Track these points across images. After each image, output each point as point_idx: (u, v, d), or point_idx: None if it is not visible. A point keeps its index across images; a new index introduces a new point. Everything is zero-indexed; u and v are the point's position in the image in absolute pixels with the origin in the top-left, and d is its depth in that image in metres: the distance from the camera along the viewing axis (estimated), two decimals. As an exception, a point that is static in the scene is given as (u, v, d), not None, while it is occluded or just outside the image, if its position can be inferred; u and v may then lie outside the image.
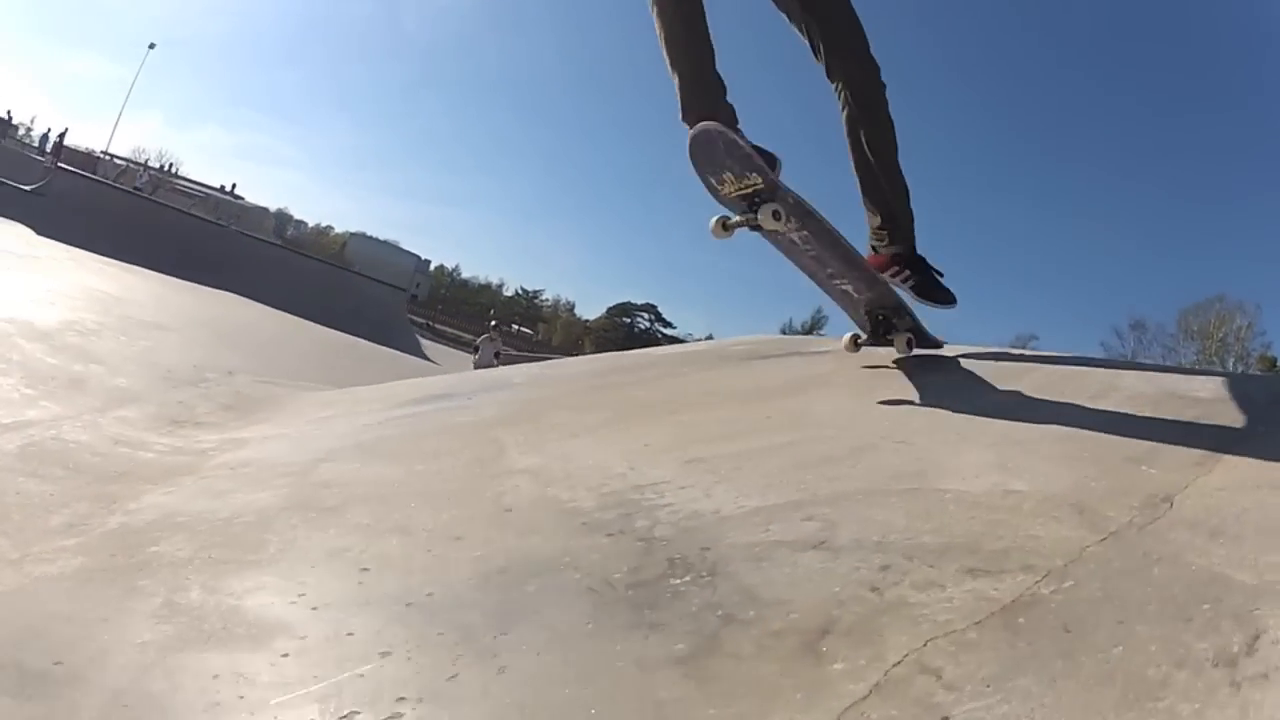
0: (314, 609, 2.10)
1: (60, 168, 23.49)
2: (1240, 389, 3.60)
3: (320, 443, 4.09)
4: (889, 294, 4.25)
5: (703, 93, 3.97)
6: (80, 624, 2.01)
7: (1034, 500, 2.50)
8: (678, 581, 2.11)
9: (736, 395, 4.29)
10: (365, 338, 16.71)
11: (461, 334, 54.76)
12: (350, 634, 1.96)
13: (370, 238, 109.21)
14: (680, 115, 3.98)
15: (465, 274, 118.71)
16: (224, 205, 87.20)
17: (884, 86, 4.25)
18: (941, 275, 4.37)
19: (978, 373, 4.09)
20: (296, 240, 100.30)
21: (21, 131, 75.99)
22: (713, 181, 3.87)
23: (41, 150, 56.55)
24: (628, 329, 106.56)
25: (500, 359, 34.62)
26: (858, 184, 4.35)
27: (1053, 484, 2.65)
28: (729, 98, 3.99)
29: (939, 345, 4.41)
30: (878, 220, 4.34)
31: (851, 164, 4.31)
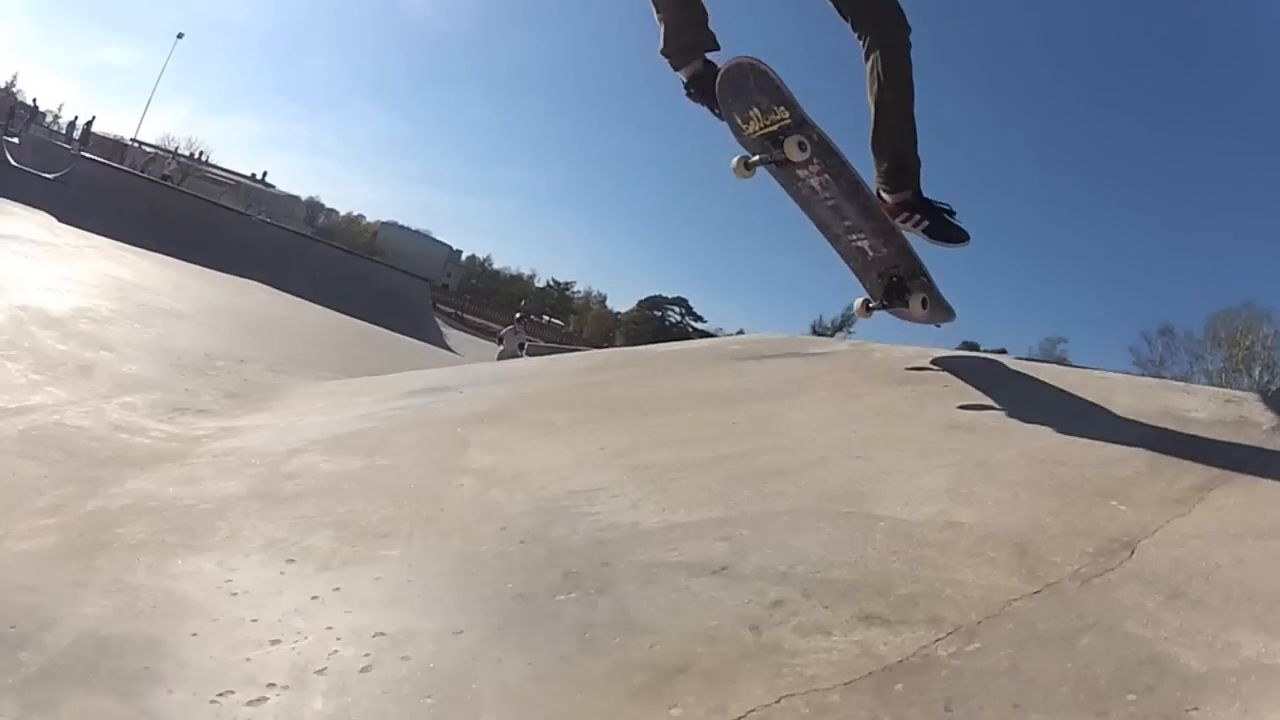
0: (233, 595, 2.27)
1: (83, 156, 23.72)
2: (1245, 411, 3.42)
3: (304, 433, 4.22)
4: (905, 251, 4.32)
5: (694, 22, 4.11)
6: (39, 595, 2.21)
7: (973, 537, 2.39)
8: (563, 597, 2.16)
9: (715, 398, 4.33)
10: (389, 327, 16.85)
11: (490, 324, 54.99)
12: (254, 620, 2.13)
13: (402, 227, 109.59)
14: (662, 48, 4.12)
15: (497, 264, 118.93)
16: (254, 193, 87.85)
17: (910, 43, 4.20)
18: (952, 214, 4.34)
19: (967, 380, 4.07)
20: (327, 229, 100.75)
21: (49, 119, 76.70)
22: (738, 120, 4.01)
23: (69, 138, 57.05)
24: (659, 322, 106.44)
25: (525, 350, 34.66)
26: (871, 129, 4.30)
27: (1002, 517, 2.54)
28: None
29: (951, 312, 4.46)
30: (885, 165, 4.30)
31: (871, 105, 4.25)
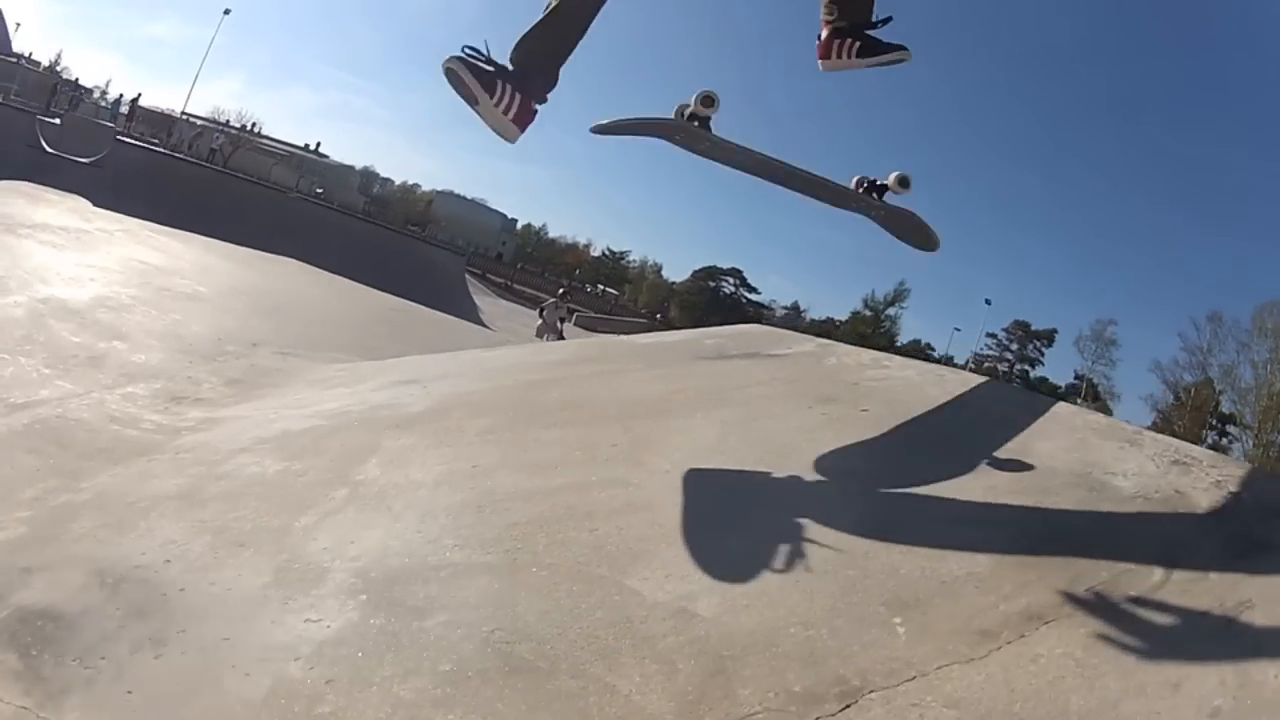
0: (109, 584, 2.92)
1: (119, 140, 24.37)
2: (1189, 482, 3.15)
3: (264, 429, 4.76)
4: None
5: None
6: None
7: (687, 638, 2.45)
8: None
9: (631, 408, 4.61)
10: (423, 302, 17.27)
11: (540, 294, 55.31)
12: (117, 609, 2.79)
13: (457, 196, 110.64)
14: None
15: (553, 233, 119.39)
16: (307, 163, 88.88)
17: None
18: (883, 23, 4.53)
19: (887, 402, 4.13)
20: (382, 198, 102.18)
21: (96, 94, 77.91)
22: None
23: (113, 114, 57.86)
24: (713, 293, 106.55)
25: (564, 325, 34.81)
26: None
27: (746, 618, 2.53)
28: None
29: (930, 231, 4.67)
30: None
31: None
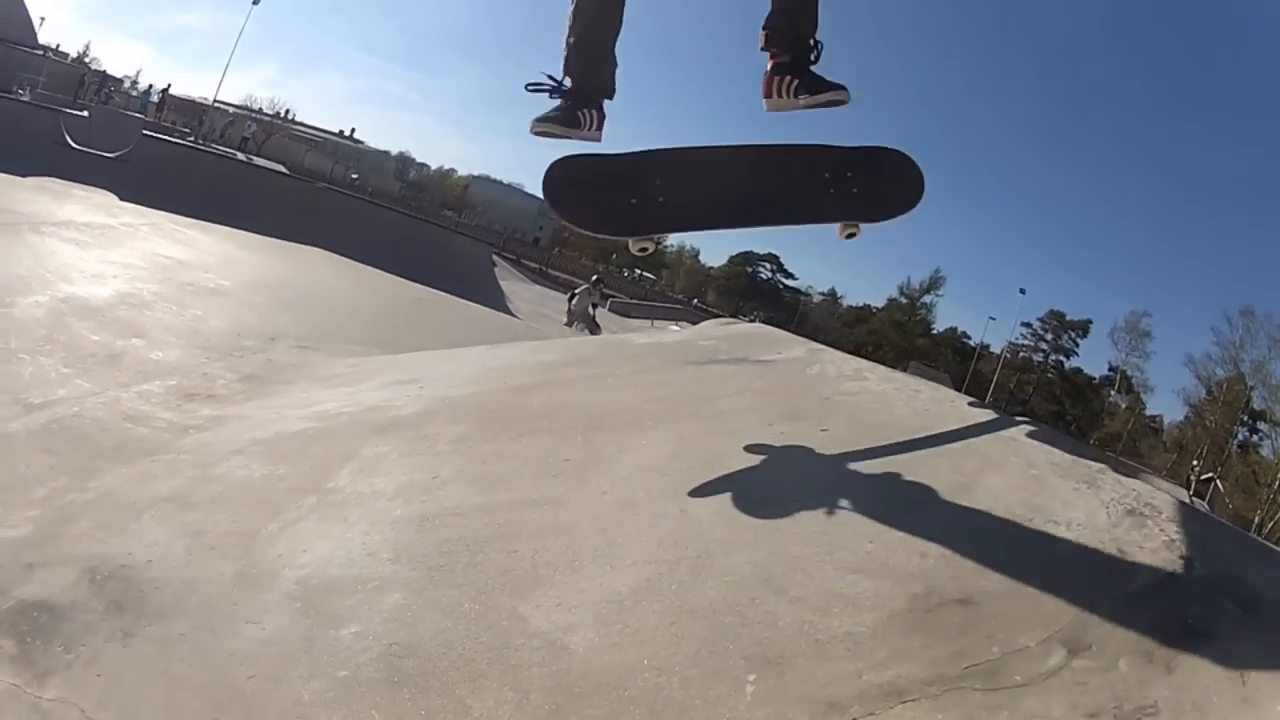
0: (95, 588, 3.30)
1: (146, 135, 24.79)
2: (1140, 537, 2.98)
3: (260, 430, 5.06)
4: None
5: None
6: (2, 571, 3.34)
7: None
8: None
9: (600, 418, 4.72)
10: (450, 291, 17.41)
11: (574, 279, 55.54)
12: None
13: (494, 180, 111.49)
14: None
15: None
16: (342, 149, 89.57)
17: None
18: (818, 54, 4.42)
19: (857, 420, 4.14)
20: (418, 183, 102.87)
21: (126, 84, 78.87)
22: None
23: (143, 105, 58.50)
24: (750, 278, 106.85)
25: (596, 311, 34.85)
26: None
27: (602, 658, 2.70)
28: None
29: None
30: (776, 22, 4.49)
31: None
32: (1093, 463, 3.62)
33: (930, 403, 4.32)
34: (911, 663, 2.49)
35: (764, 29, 4.44)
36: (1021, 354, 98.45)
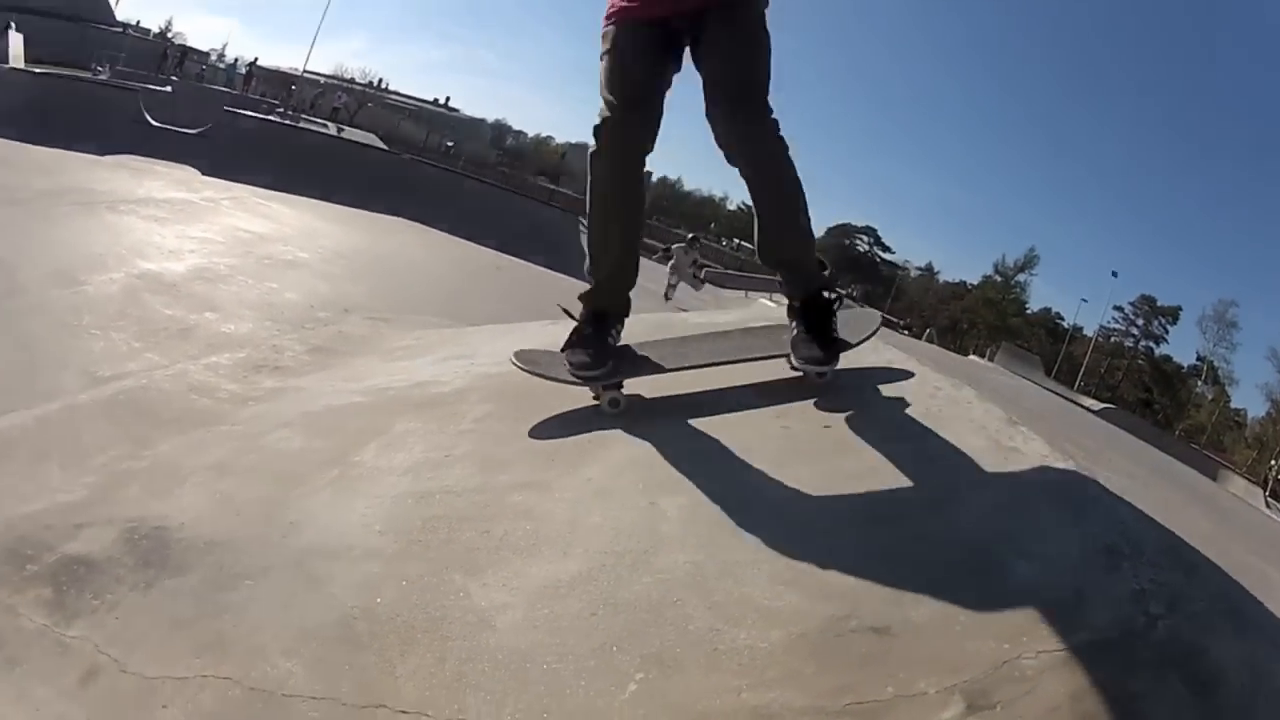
0: (131, 546, 3.66)
1: (227, 110, 25.40)
2: (1108, 595, 2.67)
3: (312, 403, 5.25)
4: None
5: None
6: (52, 532, 3.74)
7: None
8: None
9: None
10: (535, 260, 17.62)
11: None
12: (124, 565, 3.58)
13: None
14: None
15: (688, 186, 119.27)
16: (437, 118, 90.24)
17: (769, 139, 4.11)
18: (836, 304, 4.28)
19: (845, 434, 3.85)
20: (515, 150, 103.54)
21: (214, 57, 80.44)
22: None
23: (231, 78, 59.56)
24: (847, 251, 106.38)
25: (703, 276, 34.71)
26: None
27: (516, 639, 2.93)
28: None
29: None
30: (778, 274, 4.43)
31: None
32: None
33: (944, 404, 3.98)
34: (795, 689, 2.45)
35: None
36: (1113, 338, 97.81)
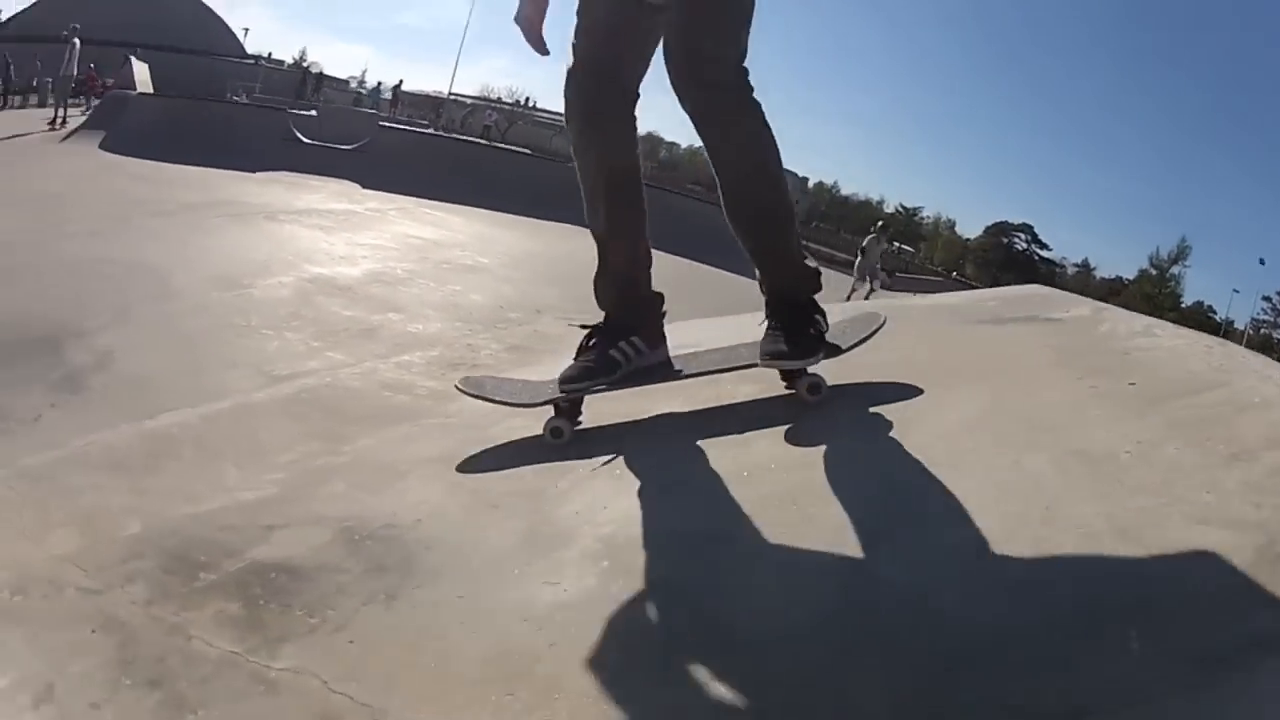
0: (351, 548, 2.92)
1: (382, 125, 25.49)
2: None
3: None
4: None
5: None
6: (235, 534, 2.97)
7: None
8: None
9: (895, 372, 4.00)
10: (712, 264, 17.10)
11: (834, 253, 54.77)
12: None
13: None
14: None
15: (844, 190, 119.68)
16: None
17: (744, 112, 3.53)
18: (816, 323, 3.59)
19: (1151, 389, 3.44)
20: (670, 162, 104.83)
21: (353, 84, 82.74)
22: None
23: (375, 102, 61.18)
24: (1006, 249, 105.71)
25: (892, 276, 33.55)
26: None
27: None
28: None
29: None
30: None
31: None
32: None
33: (1223, 358, 3.59)
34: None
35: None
36: (1263, 330, 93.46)
